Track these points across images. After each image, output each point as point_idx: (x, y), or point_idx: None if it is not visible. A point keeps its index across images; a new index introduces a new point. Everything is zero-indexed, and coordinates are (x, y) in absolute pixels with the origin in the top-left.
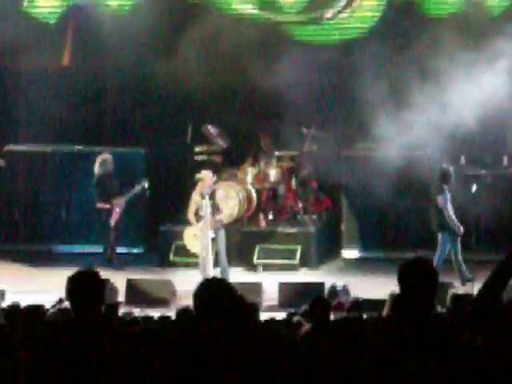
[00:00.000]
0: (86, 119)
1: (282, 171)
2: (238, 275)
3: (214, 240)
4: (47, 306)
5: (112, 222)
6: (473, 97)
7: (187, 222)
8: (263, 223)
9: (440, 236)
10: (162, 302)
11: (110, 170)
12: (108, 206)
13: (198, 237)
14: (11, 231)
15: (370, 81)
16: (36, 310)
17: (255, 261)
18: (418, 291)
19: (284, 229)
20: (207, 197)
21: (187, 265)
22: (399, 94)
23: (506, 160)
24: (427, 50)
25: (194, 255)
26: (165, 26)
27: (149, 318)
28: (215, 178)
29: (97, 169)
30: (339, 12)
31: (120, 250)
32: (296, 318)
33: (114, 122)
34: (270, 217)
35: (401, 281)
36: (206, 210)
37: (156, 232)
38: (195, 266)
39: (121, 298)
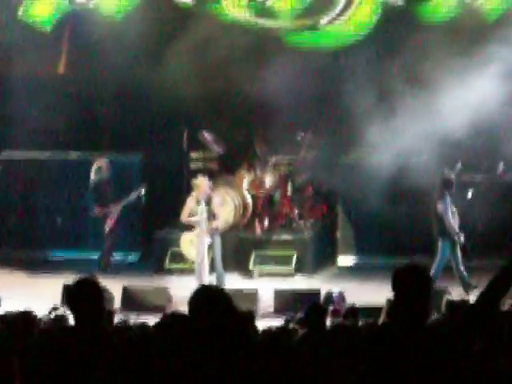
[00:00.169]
0: (81, 126)
1: (277, 178)
2: (233, 281)
3: (210, 246)
4: (41, 312)
5: (107, 229)
6: (467, 103)
7: (183, 229)
8: (259, 229)
9: (440, 243)
10: (158, 309)
11: (105, 176)
12: (103, 212)
13: (194, 243)
14: (6, 238)
15: (364, 87)
16: (26, 317)
17: (251, 267)
18: (412, 297)
19: (280, 235)
20: (203, 203)
21: (183, 271)
22: (393, 100)
23: (501, 166)
24: (421, 56)
25: (190, 261)
26: (159, 33)
27: (145, 325)
28: (211, 185)
29: (93, 175)
30: (334, 19)
31: (115, 256)
32: (291, 325)
33: (110, 129)
34: (266, 223)
35: (394, 287)
36: (202, 216)
37: (151, 238)
38: (191, 272)
39: (116, 304)
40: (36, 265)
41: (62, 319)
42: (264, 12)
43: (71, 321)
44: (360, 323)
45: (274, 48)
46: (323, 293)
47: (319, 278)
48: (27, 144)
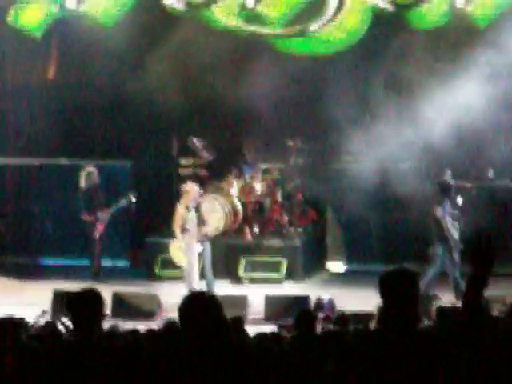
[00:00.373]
0: (71, 132)
1: (267, 184)
2: (223, 288)
3: (200, 253)
4: (32, 318)
5: (97, 235)
6: (454, 108)
7: (173, 235)
8: (249, 236)
9: (438, 248)
10: (148, 315)
11: (95, 182)
12: (93, 218)
13: (183, 250)
14: None
15: (351, 94)
16: (8, 323)
17: (241, 274)
18: (399, 302)
19: (270, 242)
20: (193, 209)
21: (173, 277)
22: (382, 107)
23: (491, 172)
24: (408, 62)
25: (180, 268)
26: (148, 40)
27: (135, 331)
28: (201, 191)
29: (83, 182)
30: (324, 25)
31: (105, 262)
32: (281, 331)
33: (100, 135)
34: (256, 230)
35: (381, 293)
36: (192, 222)
37: (141, 245)
38: (181, 278)
39: (106, 311)
40: (27, 271)
41: (50, 325)
42: (254, 19)
43: (59, 327)
44: (350, 329)
45: (263, 55)
46: (313, 299)
47: (309, 285)
48: (18, 150)
